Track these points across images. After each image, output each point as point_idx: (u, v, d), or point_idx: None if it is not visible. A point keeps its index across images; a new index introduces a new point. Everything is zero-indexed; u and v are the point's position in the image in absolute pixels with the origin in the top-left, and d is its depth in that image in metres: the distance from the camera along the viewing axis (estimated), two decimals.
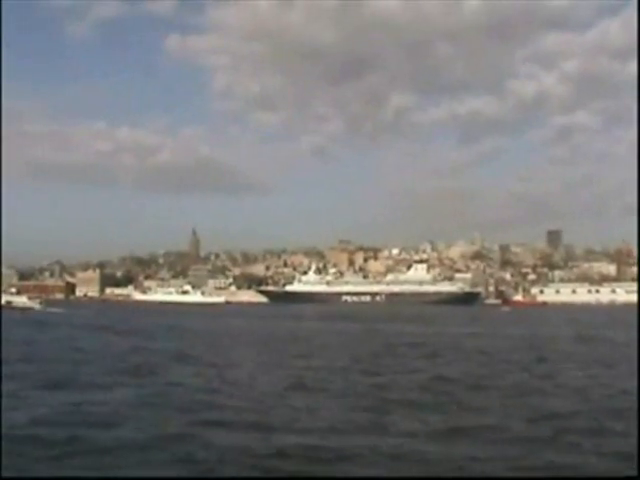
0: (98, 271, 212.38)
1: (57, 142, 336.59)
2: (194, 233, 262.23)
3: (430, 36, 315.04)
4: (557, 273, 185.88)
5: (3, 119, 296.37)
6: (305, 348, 30.25)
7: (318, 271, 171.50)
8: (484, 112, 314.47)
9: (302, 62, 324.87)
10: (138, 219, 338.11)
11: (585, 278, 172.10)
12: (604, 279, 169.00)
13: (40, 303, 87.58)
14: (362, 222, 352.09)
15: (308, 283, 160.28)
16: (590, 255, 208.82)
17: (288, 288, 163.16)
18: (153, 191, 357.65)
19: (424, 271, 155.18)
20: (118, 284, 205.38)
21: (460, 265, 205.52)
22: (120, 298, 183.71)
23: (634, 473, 8.74)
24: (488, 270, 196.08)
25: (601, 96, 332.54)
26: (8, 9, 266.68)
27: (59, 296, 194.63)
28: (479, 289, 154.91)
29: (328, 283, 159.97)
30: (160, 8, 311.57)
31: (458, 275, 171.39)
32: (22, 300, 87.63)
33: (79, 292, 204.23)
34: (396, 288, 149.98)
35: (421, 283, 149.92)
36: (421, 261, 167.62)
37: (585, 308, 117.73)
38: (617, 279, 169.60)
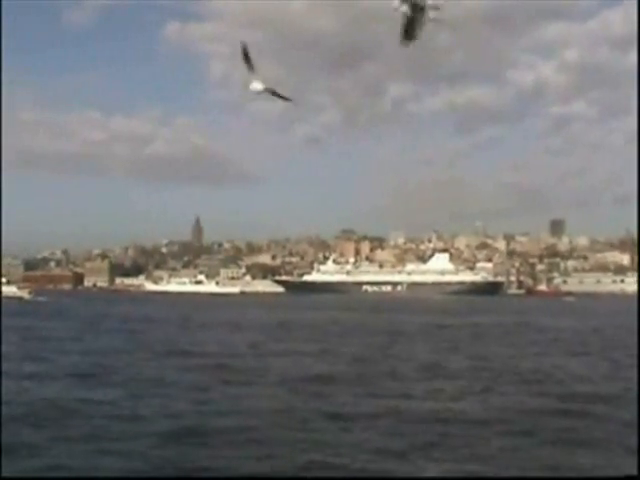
0: (107, 261, 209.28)
1: (52, 131, 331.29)
2: (197, 222, 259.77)
3: (429, 25, 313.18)
4: (570, 263, 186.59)
5: None
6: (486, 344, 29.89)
7: (334, 261, 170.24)
8: (482, 102, 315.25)
9: (301, 51, 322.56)
10: (137, 209, 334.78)
11: (600, 268, 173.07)
12: (621, 269, 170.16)
13: (29, 293, 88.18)
14: (362, 211, 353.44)
15: (327, 273, 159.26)
16: (595, 245, 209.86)
17: (306, 278, 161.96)
18: (150, 181, 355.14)
19: (446, 260, 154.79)
20: (127, 274, 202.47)
21: (467, 255, 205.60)
22: (132, 288, 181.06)
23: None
24: (495, 260, 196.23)
25: (600, 86, 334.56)
26: None
27: (67, 286, 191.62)
28: (502, 279, 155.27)
29: (348, 273, 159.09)
30: None
31: (479, 265, 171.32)
32: (11, 290, 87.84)
33: (87, 282, 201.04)
34: (418, 278, 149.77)
35: (443, 273, 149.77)
36: (444, 250, 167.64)
37: (616, 298, 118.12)
38: (632, 269, 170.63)
